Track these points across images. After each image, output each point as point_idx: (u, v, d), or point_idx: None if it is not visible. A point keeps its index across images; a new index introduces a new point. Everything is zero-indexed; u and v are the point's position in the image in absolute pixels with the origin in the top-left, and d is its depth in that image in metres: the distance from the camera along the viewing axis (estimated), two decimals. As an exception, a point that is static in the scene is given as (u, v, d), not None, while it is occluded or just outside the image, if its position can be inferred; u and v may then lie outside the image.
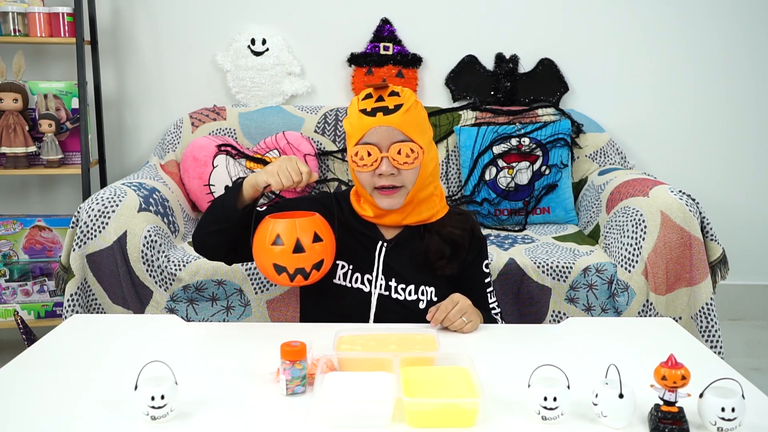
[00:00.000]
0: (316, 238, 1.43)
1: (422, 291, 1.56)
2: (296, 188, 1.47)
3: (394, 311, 1.54)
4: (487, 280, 1.63)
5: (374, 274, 1.55)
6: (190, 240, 1.58)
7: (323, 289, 1.56)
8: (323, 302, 1.59)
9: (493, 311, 1.62)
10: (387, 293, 1.55)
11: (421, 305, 1.55)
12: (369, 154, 1.47)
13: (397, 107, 1.47)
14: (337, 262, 1.55)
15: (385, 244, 1.57)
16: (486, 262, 1.64)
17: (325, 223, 1.48)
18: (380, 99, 1.48)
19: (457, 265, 1.58)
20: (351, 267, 1.56)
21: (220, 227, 1.50)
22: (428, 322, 1.44)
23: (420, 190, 1.53)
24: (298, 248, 1.41)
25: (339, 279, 1.57)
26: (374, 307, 1.54)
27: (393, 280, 1.55)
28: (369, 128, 1.47)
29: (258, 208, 1.53)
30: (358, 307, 1.54)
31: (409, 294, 1.55)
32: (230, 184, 2.61)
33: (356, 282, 1.56)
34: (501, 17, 2.95)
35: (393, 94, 1.49)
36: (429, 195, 1.57)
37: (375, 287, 1.55)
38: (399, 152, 1.47)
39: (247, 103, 2.90)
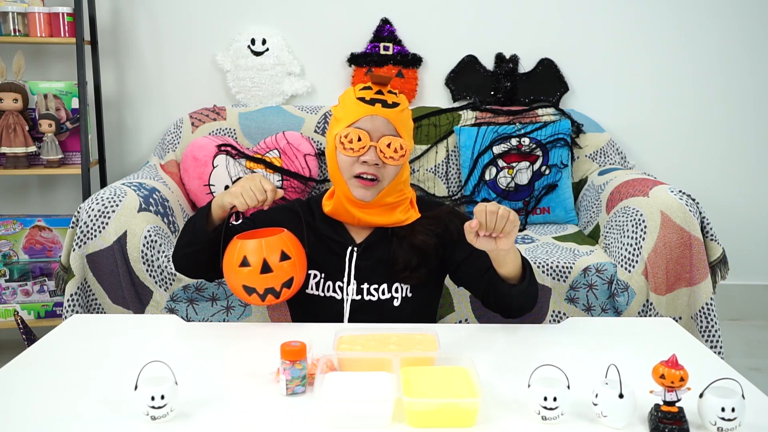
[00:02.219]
0: (284, 257, 1.43)
1: (396, 289, 1.55)
2: (263, 206, 1.47)
3: (367, 313, 1.54)
4: None
5: (345, 279, 1.55)
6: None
7: (299, 300, 1.57)
8: (301, 313, 1.60)
9: None
10: (359, 297, 1.55)
11: (396, 303, 1.54)
12: (359, 139, 1.47)
13: (395, 104, 1.49)
14: (309, 271, 1.56)
15: (356, 249, 1.57)
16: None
17: (293, 239, 1.48)
18: (379, 93, 1.50)
19: (425, 273, 1.56)
20: (323, 276, 1.57)
21: (194, 249, 1.52)
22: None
23: (391, 192, 1.53)
24: (266, 268, 1.42)
25: (312, 289, 1.57)
26: (347, 313, 1.54)
27: (365, 283, 1.55)
28: (365, 115, 1.47)
29: (233, 222, 1.54)
30: (332, 315, 1.55)
31: (383, 293, 1.55)
32: (230, 185, 2.61)
33: (328, 290, 1.56)
34: (501, 17, 2.95)
35: (391, 92, 1.51)
36: (401, 200, 1.57)
37: (347, 293, 1.54)
38: (388, 145, 1.47)
39: (247, 103, 2.90)
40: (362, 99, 1.49)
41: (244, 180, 1.46)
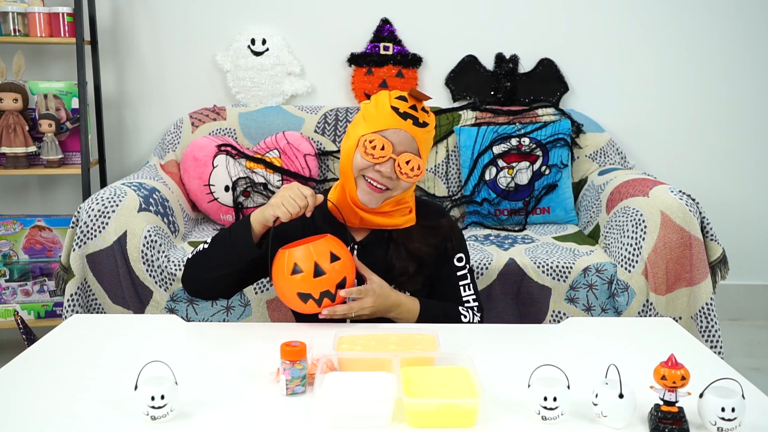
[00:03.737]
0: (334, 258, 1.42)
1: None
2: (306, 213, 1.46)
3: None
4: (459, 274, 1.62)
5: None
6: (190, 256, 1.57)
7: None
8: (304, 317, 1.59)
9: (466, 304, 1.61)
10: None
11: None
12: (383, 148, 1.47)
13: (425, 124, 1.50)
14: None
15: (356, 247, 1.57)
16: (458, 256, 1.62)
17: (337, 240, 1.47)
18: (413, 108, 1.50)
19: (421, 280, 1.57)
20: None
21: (234, 269, 1.50)
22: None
23: (391, 202, 1.54)
24: (318, 272, 1.41)
25: None
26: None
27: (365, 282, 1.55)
28: (394, 126, 1.48)
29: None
30: (333, 318, 1.53)
31: None
32: (230, 184, 2.61)
33: None
34: (501, 17, 2.95)
35: (423, 110, 1.52)
36: (401, 207, 1.57)
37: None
38: (407, 162, 1.48)
39: (247, 103, 2.90)
40: (396, 110, 1.48)
41: (282, 190, 1.45)
